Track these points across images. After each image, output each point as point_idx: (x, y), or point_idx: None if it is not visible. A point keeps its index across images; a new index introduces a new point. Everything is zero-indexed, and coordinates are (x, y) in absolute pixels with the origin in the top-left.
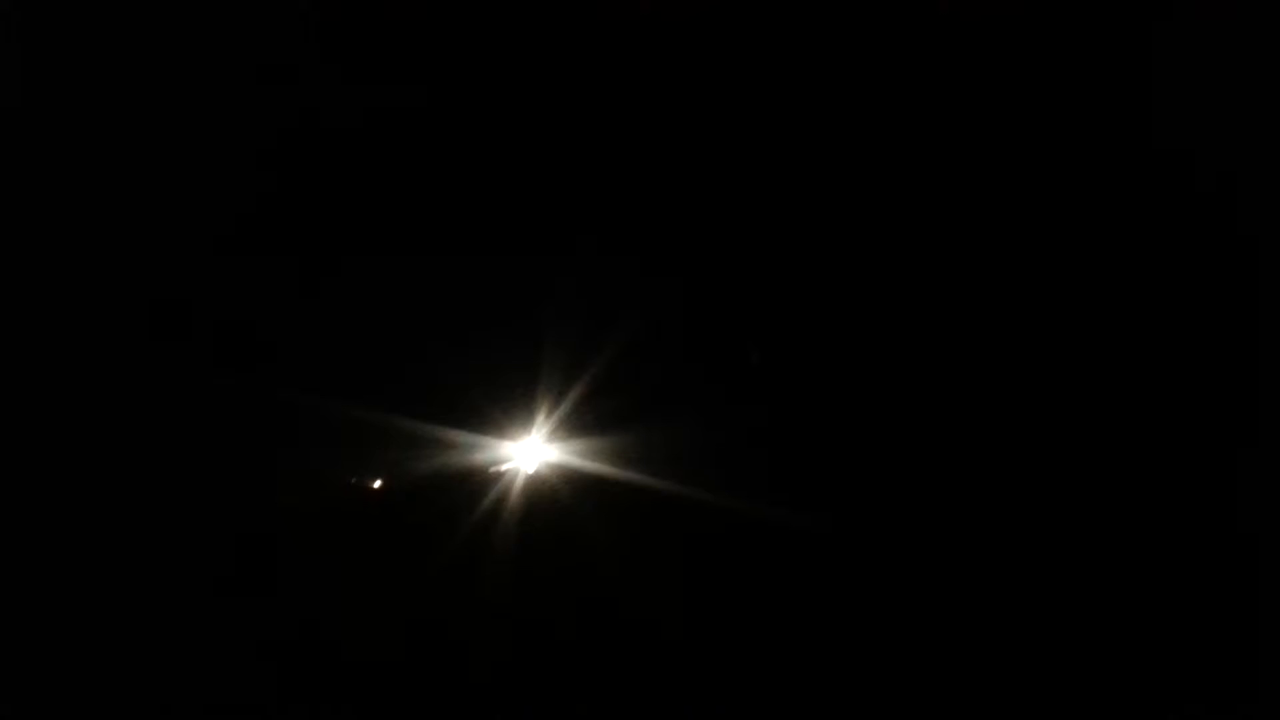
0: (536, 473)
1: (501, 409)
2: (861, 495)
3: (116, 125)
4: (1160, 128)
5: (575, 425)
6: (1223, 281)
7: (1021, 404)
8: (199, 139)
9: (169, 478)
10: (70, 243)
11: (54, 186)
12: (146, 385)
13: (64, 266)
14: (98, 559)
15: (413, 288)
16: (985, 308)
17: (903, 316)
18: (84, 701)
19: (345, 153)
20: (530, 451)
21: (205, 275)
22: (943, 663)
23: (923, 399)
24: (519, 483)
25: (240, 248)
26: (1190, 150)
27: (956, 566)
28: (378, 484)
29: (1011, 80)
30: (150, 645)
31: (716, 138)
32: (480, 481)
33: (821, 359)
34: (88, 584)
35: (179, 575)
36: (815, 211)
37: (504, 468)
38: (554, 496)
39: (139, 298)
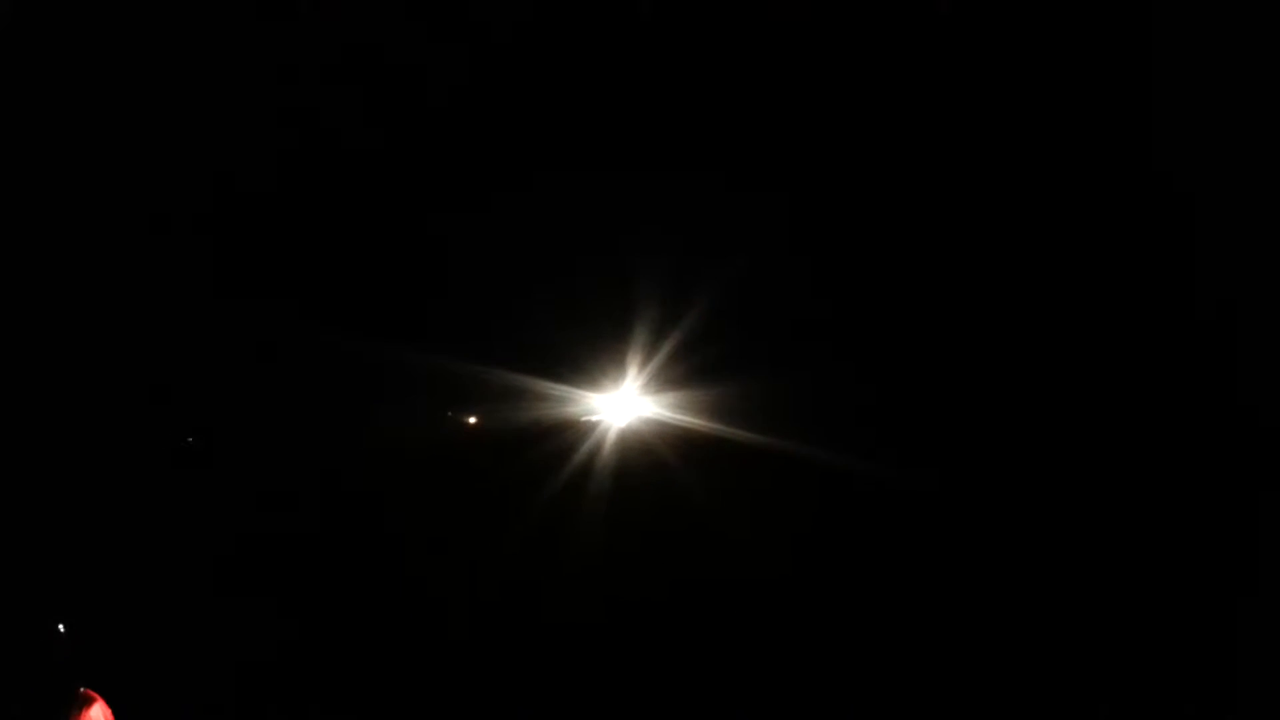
0: (628, 425)
1: (595, 362)
2: (961, 453)
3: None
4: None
5: (667, 379)
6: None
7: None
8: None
9: (270, 426)
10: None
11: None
12: (251, 337)
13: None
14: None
15: (511, 244)
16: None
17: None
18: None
19: (441, 108)
20: (623, 404)
21: (310, 233)
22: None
23: (1005, 358)
24: (611, 435)
25: (343, 205)
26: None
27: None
28: (472, 435)
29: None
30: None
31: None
32: (573, 434)
33: (915, 316)
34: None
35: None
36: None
37: (596, 418)
38: (645, 449)
39: (253, 254)
